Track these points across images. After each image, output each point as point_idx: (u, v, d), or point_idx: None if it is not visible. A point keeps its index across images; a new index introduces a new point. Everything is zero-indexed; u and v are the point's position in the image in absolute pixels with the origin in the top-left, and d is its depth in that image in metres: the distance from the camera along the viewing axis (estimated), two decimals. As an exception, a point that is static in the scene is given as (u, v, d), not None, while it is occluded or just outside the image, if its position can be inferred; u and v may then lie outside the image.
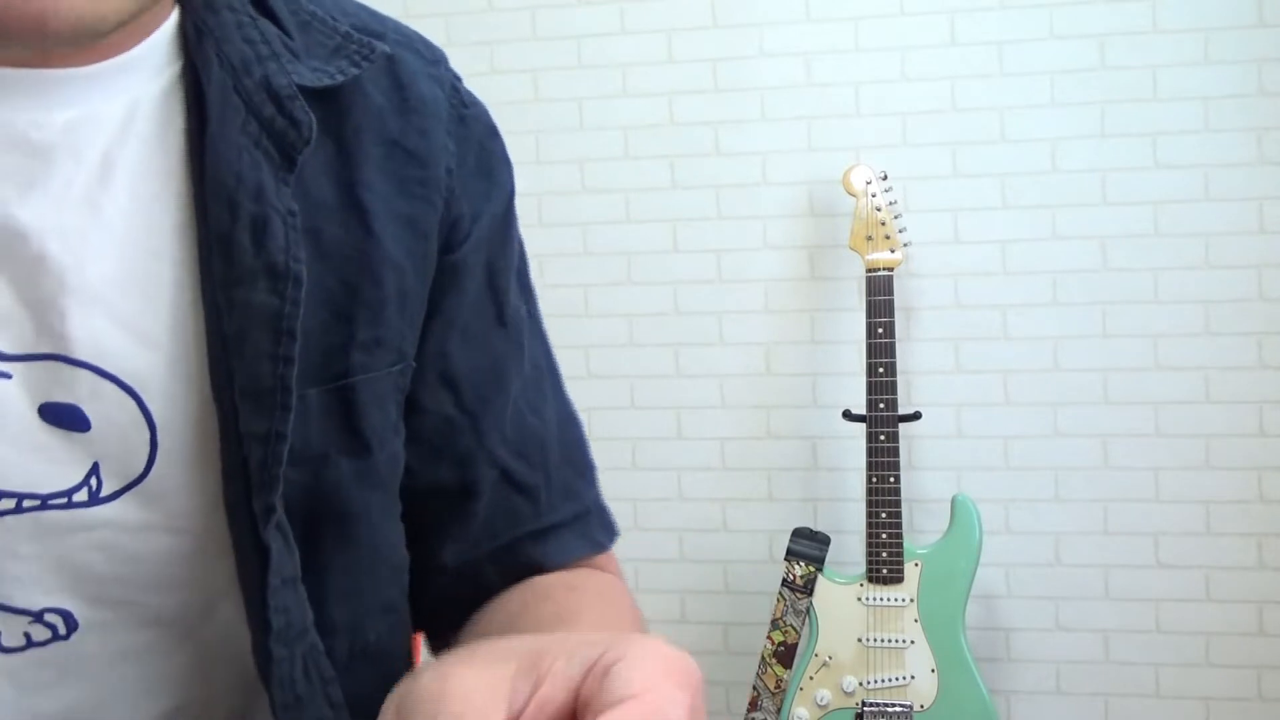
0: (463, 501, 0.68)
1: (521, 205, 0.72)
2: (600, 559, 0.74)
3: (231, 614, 0.60)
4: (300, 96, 0.59)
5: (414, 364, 0.65)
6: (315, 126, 0.58)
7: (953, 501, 2.04)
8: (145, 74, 0.57)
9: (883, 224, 2.05)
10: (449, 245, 0.65)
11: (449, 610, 0.70)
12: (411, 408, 0.65)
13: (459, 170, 0.66)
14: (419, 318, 0.65)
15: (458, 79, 0.68)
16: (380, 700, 0.66)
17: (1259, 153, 2.11)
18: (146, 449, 0.56)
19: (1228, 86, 2.11)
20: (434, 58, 0.68)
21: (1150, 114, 2.14)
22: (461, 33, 2.32)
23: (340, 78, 0.61)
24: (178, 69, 0.59)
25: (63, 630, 0.57)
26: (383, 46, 0.63)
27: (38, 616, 0.57)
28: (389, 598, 0.67)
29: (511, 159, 0.70)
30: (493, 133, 0.69)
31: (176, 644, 0.61)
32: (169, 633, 0.60)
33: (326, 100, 0.61)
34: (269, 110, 0.58)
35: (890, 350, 2.00)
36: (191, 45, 0.59)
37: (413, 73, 0.65)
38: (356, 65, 0.62)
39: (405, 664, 0.70)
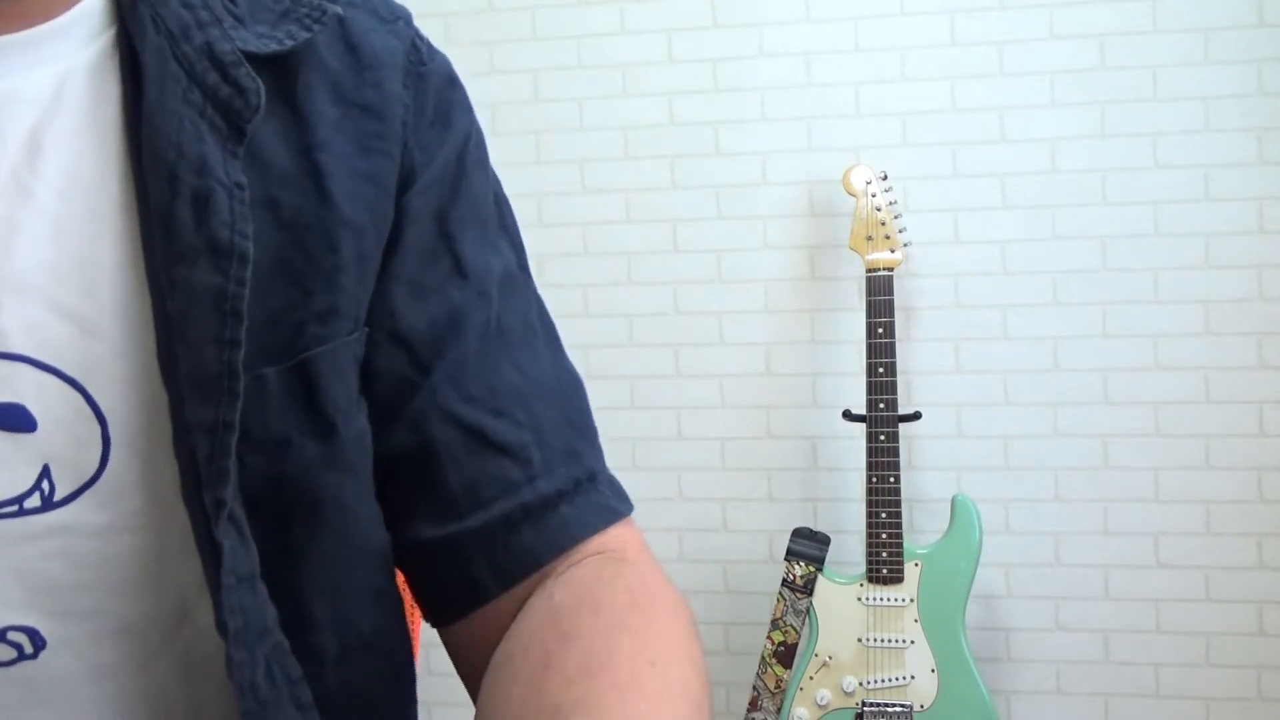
0: (426, 468, 0.61)
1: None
2: (617, 537, 0.64)
3: (207, 617, 0.55)
4: (246, 63, 0.55)
5: (367, 328, 0.60)
6: (264, 94, 0.54)
7: (953, 501, 2.04)
8: (75, 42, 0.53)
9: (883, 224, 2.04)
10: (398, 194, 0.61)
11: (446, 605, 0.64)
12: (365, 373, 0.61)
13: (415, 122, 0.62)
14: (374, 278, 0.60)
15: (420, 35, 0.65)
16: (385, 690, 0.65)
17: (1259, 153, 2.11)
18: (99, 445, 0.52)
19: (1228, 86, 2.11)
20: (392, 15, 0.64)
21: (1150, 114, 2.14)
22: (461, 33, 2.32)
23: (289, 43, 0.57)
24: (111, 35, 0.55)
25: (29, 649, 0.53)
26: (334, 9, 0.60)
27: (0, 636, 0.53)
28: (376, 585, 0.63)
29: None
30: (452, 82, 0.65)
31: (152, 656, 0.57)
32: (143, 644, 0.56)
33: (276, 66, 0.57)
34: (213, 78, 0.54)
35: (890, 350, 2.00)
36: (125, 9, 0.55)
37: (364, 30, 0.61)
38: (307, 29, 0.58)
39: (406, 651, 0.66)
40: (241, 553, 0.54)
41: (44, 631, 0.53)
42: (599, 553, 0.63)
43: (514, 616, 0.61)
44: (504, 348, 0.63)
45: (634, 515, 0.67)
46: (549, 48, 2.33)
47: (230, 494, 0.53)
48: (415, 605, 0.67)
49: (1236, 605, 2.15)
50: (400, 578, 0.66)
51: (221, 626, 0.53)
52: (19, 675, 0.54)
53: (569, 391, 0.66)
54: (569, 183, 2.34)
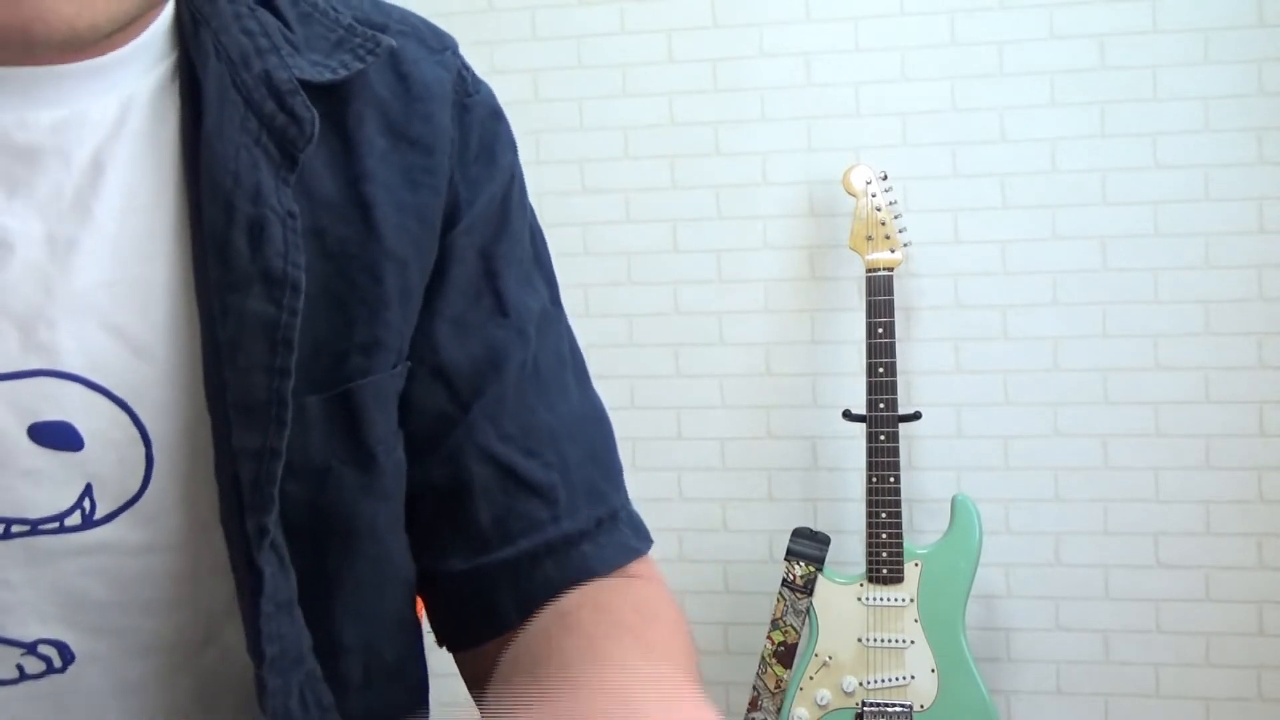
0: (459, 502, 0.62)
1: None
2: (634, 565, 0.66)
3: (234, 639, 0.56)
4: (302, 92, 0.56)
5: (409, 362, 0.61)
6: (318, 123, 0.55)
7: (953, 501, 2.04)
8: (140, 67, 0.54)
9: (883, 224, 2.04)
10: (443, 231, 0.62)
11: (465, 632, 0.64)
12: (402, 405, 0.61)
13: (460, 155, 0.62)
14: (417, 313, 0.61)
15: (466, 66, 0.65)
16: (404, 716, 0.65)
17: (1259, 153, 2.11)
18: (142, 466, 0.53)
19: (1228, 86, 2.11)
20: (440, 45, 0.64)
21: (1150, 114, 2.14)
22: (461, 33, 2.30)
23: (343, 72, 0.58)
24: (173, 61, 0.56)
25: (58, 663, 0.54)
26: (388, 40, 0.60)
27: (30, 648, 0.53)
28: (402, 612, 0.64)
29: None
30: (496, 115, 0.66)
31: (177, 673, 0.57)
32: (169, 661, 0.57)
33: (329, 95, 0.58)
34: (269, 106, 0.55)
35: (890, 350, 2.00)
36: (188, 36, 0.56)
37: (414, 60, 0.62)
38: (361, 60, 0.59)
39: (423, 677, 0.67)
40: (281, 580, 0.54)
41: (73, 646, 0.54)
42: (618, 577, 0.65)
43: None
44: (538, 387, 0.64)
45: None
46: (549, 48, 2.33)
47: (273, 521, 0.53)
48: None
49: (1236, 605, 2.15)
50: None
51: (258, 653, 0.53)
52: (46, 688, 0.54)
53: (594, 428, 0.67)
54: (569, 183, 2.34)
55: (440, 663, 0.68)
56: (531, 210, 0.70)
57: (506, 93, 2.28)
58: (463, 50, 0.67)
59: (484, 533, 0.62)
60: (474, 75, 0.66)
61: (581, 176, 2.34)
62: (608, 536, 0.64)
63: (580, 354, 0.69)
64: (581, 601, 0.60)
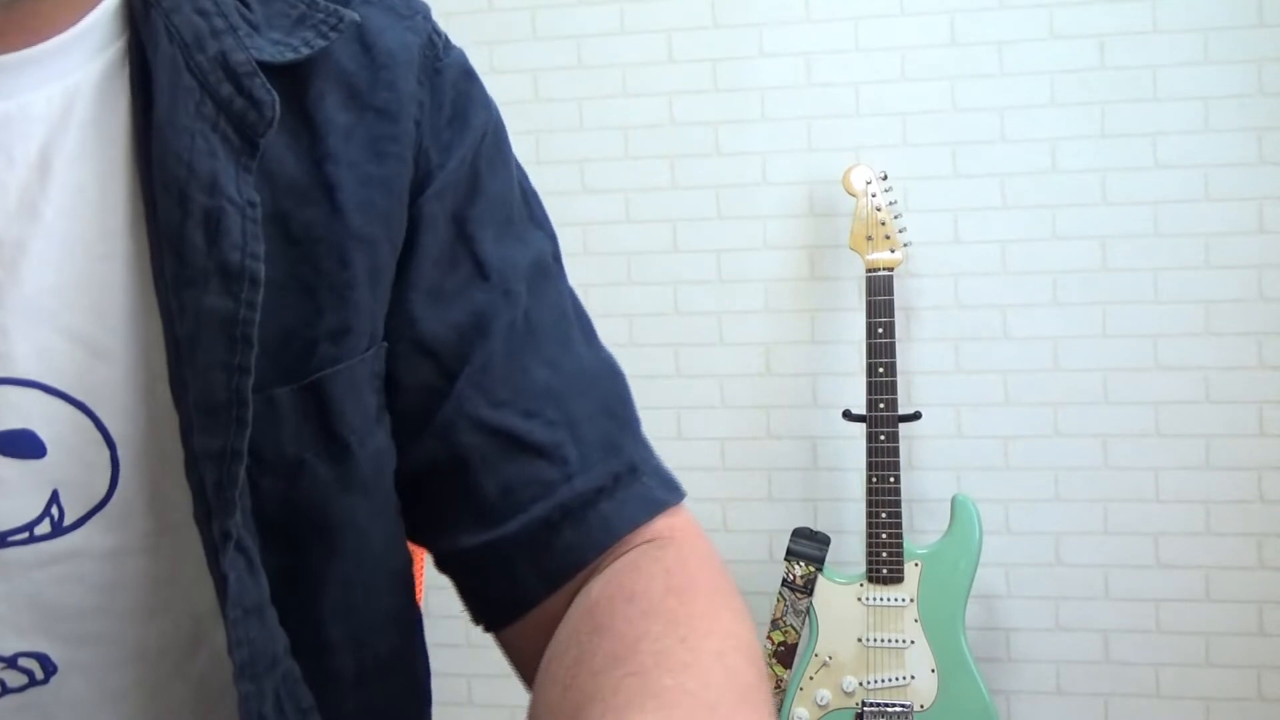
0: (460, 477, 0.59)
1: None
2: (665, 525, 0.61)
3: (223, 643, 0.54)
4: (260, 74, 0.53)
5: (386, 342, 0.58)
6: (279, 106, 0.52)
7: (953, 501, 2.04)
8: (83, 55, 0.52)
9: (883, 224, 2.04)
10: (412, 198, 0.59)
11: (493, 610, 0.62)
12: (389, 386, 0.59)
13: (430, 120, 0.59)
14: (389, 290, 0.58)
15: (437, 30, 0.62)
16: (403, 710, 0.64)
17: (1259, 153, 2.11)
18: (108, 469, 0.51)
19: (1228, 86, 2.11)
20: (409, 11, 0.61)
21: (1150, 114, 2.14)
22: (461, 33, 2.32)
23: (306, 50, 0.55)
24: (121, 45, 0.53)
25: (40, 675, 0.53)
26: (350, 14, 0.57)
27: (10, 662, 0.52)
28: (393, 606, 0.62)
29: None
30: (468, 75, 0.63)
31: (168, 681, 0.56)
32: (158, 668, 0.55)
33: (289, 74, 0.55)
34: (226, 90, 0.52)
35: (890, 350, 2.00)
36: (138, 18, 0.53)
37: (380, 29, 0.59)
38: (324, 36, 0.56)
39: (424, 669, 0.66)
40: (249, 583, 0.52)
41: (54, 657, 0.53)
42: (646, 542, 0.60)
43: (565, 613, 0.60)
44: (534, 345, 0.61)
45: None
46: (549, 48, 2.33)
47: (237, 524, 0.51)
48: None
49: (1236, 605, 2.15)
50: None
51: (231, 657, 0.52)
52: (31, 700, 0.53)
53: (606, 382, 0.64)
54: (569, 183, 2.34)
55: (438, 662, 0.68)
56: (520, 167, 0.66)
57: (506, 93, 2.29)
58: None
59: (492, 504, 0.59)
60: (445, 39, 0.63)
61: (581, 176, 2.34)
62: (627, 490, 0.60)
63: (585, 311, 0.66)
64: (610, 591, 0.56)
